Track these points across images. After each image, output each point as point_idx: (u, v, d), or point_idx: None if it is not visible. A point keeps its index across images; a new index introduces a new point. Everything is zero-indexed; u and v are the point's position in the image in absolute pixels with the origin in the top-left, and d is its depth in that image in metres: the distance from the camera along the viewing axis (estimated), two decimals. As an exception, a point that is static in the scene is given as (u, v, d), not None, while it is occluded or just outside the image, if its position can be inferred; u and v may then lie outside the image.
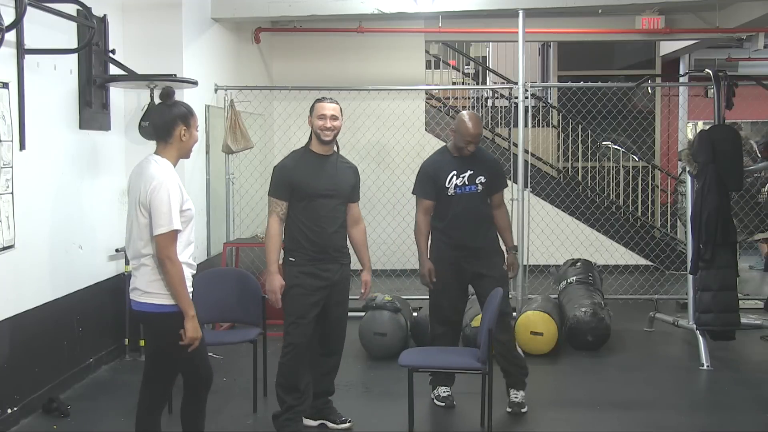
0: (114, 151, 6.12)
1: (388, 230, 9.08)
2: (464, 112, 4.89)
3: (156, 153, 3.58)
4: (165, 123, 3.54)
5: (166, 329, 3.47)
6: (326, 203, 4.35)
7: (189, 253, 3.57)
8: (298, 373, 4.37)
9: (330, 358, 4.59)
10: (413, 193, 5.02)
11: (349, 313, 4.69)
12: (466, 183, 4.84)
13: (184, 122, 3.54)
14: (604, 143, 10.82)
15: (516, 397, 4.89)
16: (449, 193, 4.86)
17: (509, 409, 4.86)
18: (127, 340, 6.17)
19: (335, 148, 4.48)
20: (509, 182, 5.95)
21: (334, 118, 4.37)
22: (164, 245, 3.39)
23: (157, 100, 5.79)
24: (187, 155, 3.66)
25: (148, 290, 3.48)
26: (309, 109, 4.46)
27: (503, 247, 5.02)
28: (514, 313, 5.86)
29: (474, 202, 4.87)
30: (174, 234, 3.41)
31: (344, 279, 4.52)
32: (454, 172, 4.85)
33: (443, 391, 5.03)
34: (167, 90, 3.58)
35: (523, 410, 4.86)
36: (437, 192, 4.88)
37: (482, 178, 4.86)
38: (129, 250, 3.57)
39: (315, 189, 4.32)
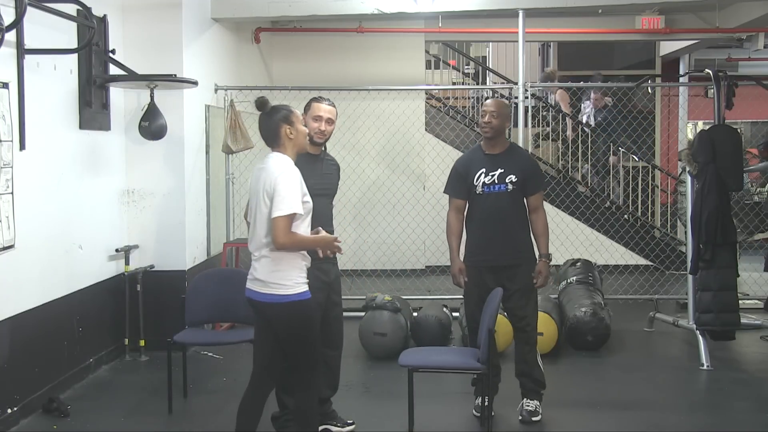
0: (114, 151, 6.12)
1: (388, 230, 9.08)
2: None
3: (274, 152, 3.82)
4: (270, 130, 3.78)
5: (291, 318, 3.72)
6: (321, 201, 4.32)
7: None
8: None
9: (332, 361, 4.56)
10: (444, 192, 4.89)
11: (350, 313, 4.69)
12: (495, 182, 4.65)
13: (286, 122, 3.76)
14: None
15: (529, 406, 4.75)
16: (477, 192, 4.68)
17: (519, 417, 4.73)
18: (127, 340, 6.18)
19: (323, 148, 4.46)
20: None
21: (329, 121, 4.35)
22: (282, 226, 3.59)
23: (157, 100, 5.84)
24: (303, 148, 3.90)
25: (269, 280, 3.70)
26: (304, 106, 4.39)
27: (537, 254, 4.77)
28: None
29: (503, 202, 4.65)
30: (293, 217, 3.62)
31: (337, 278, 4.52)
32: (483, 170, 4.68)
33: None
34: (261, 100, 3.79)
35: (535, 419, 4.71)
36: (468, 190, 4.75)
37: (513, 177, 4.64)
38: (251, 243, 3.81)
39: (311, 188, 4.30)
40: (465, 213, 4.82)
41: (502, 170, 4.66)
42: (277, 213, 3.60)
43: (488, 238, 4.69)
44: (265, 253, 3.72)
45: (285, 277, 3.68)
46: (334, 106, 4.41)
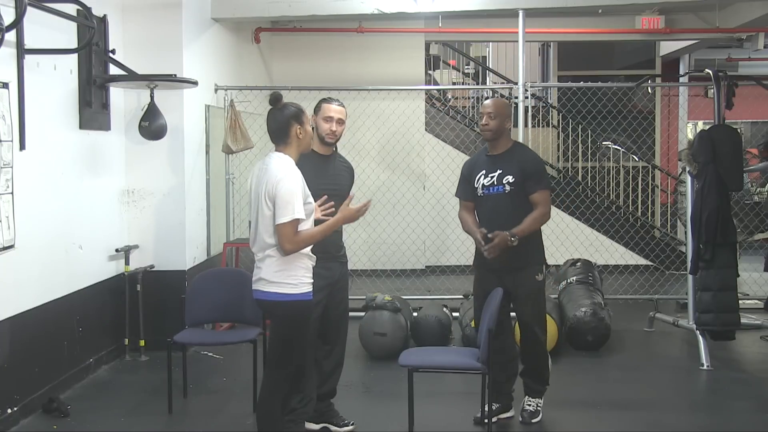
0: (114, 151, 6.12)
1: (388, 230, 9.08)
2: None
3: (277, 151, 3.81)
4: (280, 126, 3.78)
5: (289, 317, 3.73)
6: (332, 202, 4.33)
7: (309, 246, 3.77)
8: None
9: (333, 359, 4.58)
10: (455, 195, 4.84)
11: (350, 313, 4.69)
12: (494, 183, 4.54)
13: (297, 121, 3.78)
14: (604, 143, 10.83)
15: (529, 406, 4.74)
16: (479, 194, 4.61)
17: (519, 418, 4.72)
18: (127, 340, 6.18)
19: (334, 148, 4.49)
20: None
21: (340, 122, 4.38)
22: (286, 233, 3.62)
23: (157, 100, 5.84)
24: (306, 149, 3.90)
25: (273, 280, 3.70)
26: (314, 107, 4.43)
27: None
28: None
29: (501, 204, 4.53)
30: (296, 223, 3.63)
31: (344, 277, 4.52)
32: (483, 171, 4.60)
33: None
34: (275, 95, 3.81)
35: (534, 420, 4.70)
36: (472, 192, 4.67)
37: (510, 178, 4.51)
38: (254, 244, 3.80)
39: (318, 188, 4.29)
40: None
41: (501, 171, 4.57)
42: (280, 220, 3.61)
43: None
44: (270, 252, 3.70)
45: (291, 276, 3.69)
46: (344, 107, 4.44)
